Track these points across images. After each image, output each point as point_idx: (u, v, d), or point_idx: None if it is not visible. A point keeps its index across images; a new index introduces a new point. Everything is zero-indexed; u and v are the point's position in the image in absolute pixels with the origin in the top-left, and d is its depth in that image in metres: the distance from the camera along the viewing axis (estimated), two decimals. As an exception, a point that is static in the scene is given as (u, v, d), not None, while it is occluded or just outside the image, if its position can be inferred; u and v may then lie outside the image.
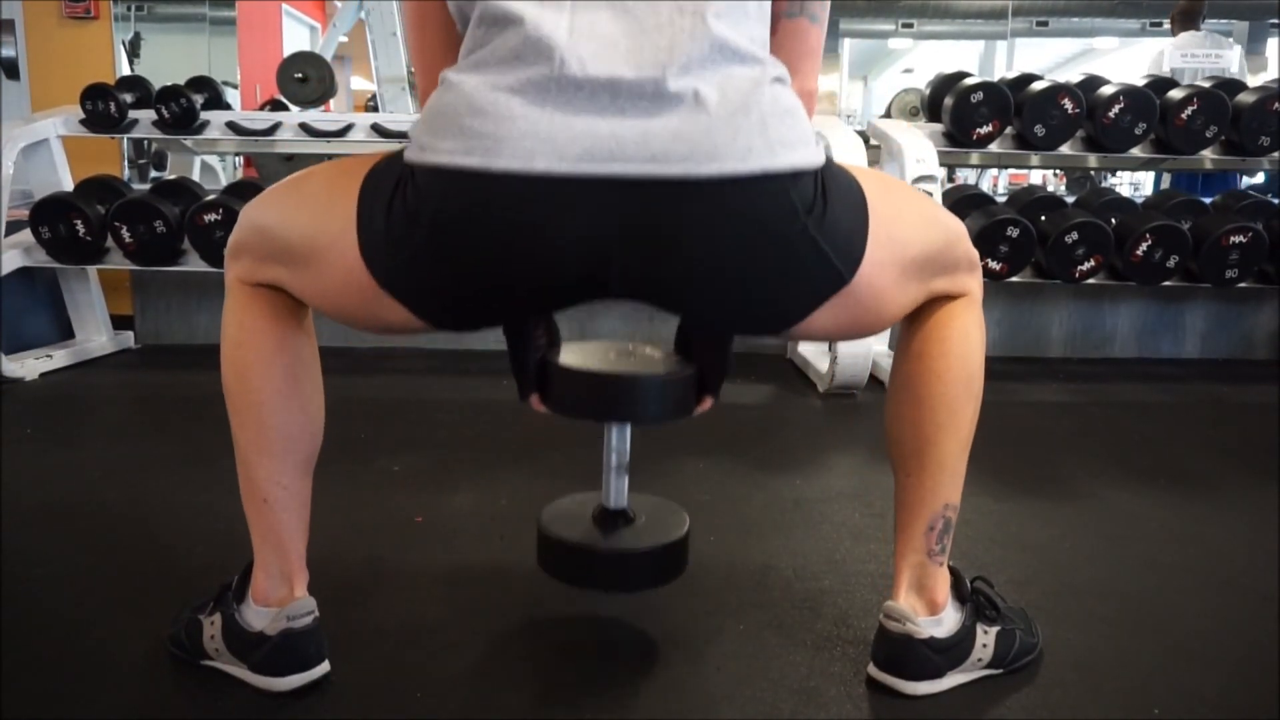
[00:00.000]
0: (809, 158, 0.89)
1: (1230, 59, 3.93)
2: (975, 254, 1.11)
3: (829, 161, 0.92)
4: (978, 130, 2.76)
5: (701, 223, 0.86)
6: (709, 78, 0.85)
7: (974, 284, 1.11)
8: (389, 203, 0.89)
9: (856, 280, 0.94)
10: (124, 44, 3.73)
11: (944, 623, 1.10)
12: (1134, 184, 5.73)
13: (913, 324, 1.11)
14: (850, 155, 2.50)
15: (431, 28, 1.00)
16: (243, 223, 1.05)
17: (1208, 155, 2.91)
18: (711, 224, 0.86)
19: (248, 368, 1.06)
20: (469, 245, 0.87)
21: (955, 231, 1.08)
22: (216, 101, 3.11)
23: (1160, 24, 5.66)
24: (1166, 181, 4.40)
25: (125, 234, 2.68)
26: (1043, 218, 2.82)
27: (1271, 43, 5.74)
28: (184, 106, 2.90)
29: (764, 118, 0.85)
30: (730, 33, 0.86)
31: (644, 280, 0.91)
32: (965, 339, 1.09)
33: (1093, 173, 4.98)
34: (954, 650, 1.10)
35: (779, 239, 0.88)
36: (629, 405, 1.03)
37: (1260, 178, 4.37)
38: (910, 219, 1.03)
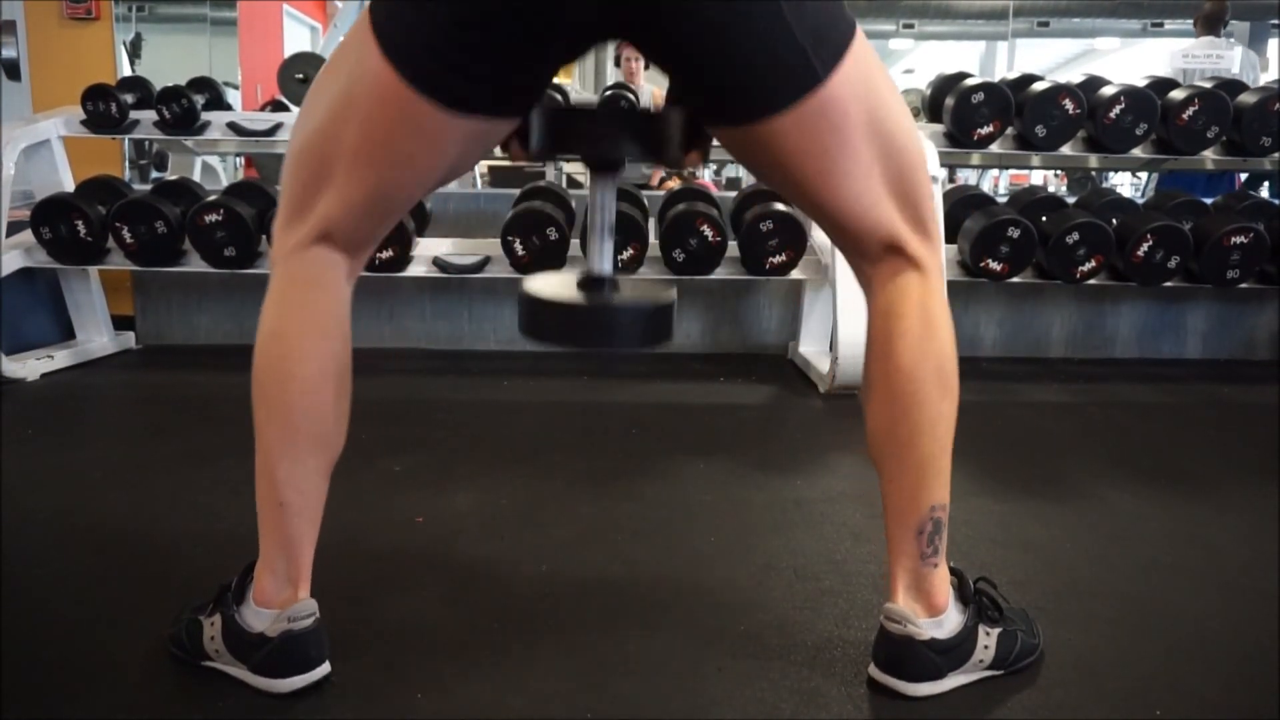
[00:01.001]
0: None
1: (1232, 59, 3.94)
2: (937, 221, 1.09)
3: None
4: (978, 130, 2.76)
5: None
6: None
7: (932, 257, 1.08)
8: None
9: (830, 86, 0.94)
10: (125, 44, 3.74)
11: (946, 624, 1.10)
12: (1135, 184, 5.73)
13: (875, 311, 1.09)
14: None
15: None
16: (282, 178, 1.06)
17: (1209, 155, 2.90)
18: None
19: (282, 364, 1.05)
20: None
21: (926, 167, 1.06)
22: (217, 102, 3.11)
23: (1161, 24, 5.67)
24: (1154, 183, 4.39)
25: (126, 234, 2.68)
26: (1044, 218, 2.82)
27: (1272, 43, 5.74)
28: (185, 107, 2.90)
29: None
30: None
31: (636, 28, 0.93)
32: (932, 327, 1.07)
33: (1094, 173, 4.97)
34: (955, 651, 1.10)
35: (746, 5, 0.89)
36: (614, 143, 0.99)
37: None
38: (895, 99, 1.02)
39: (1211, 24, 4.07)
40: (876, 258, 1.08)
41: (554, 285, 1.07)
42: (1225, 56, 3.97)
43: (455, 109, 0.95)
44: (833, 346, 2.57)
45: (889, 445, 1.09)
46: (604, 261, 1.05)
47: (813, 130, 0.96)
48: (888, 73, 1.05)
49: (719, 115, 1.00)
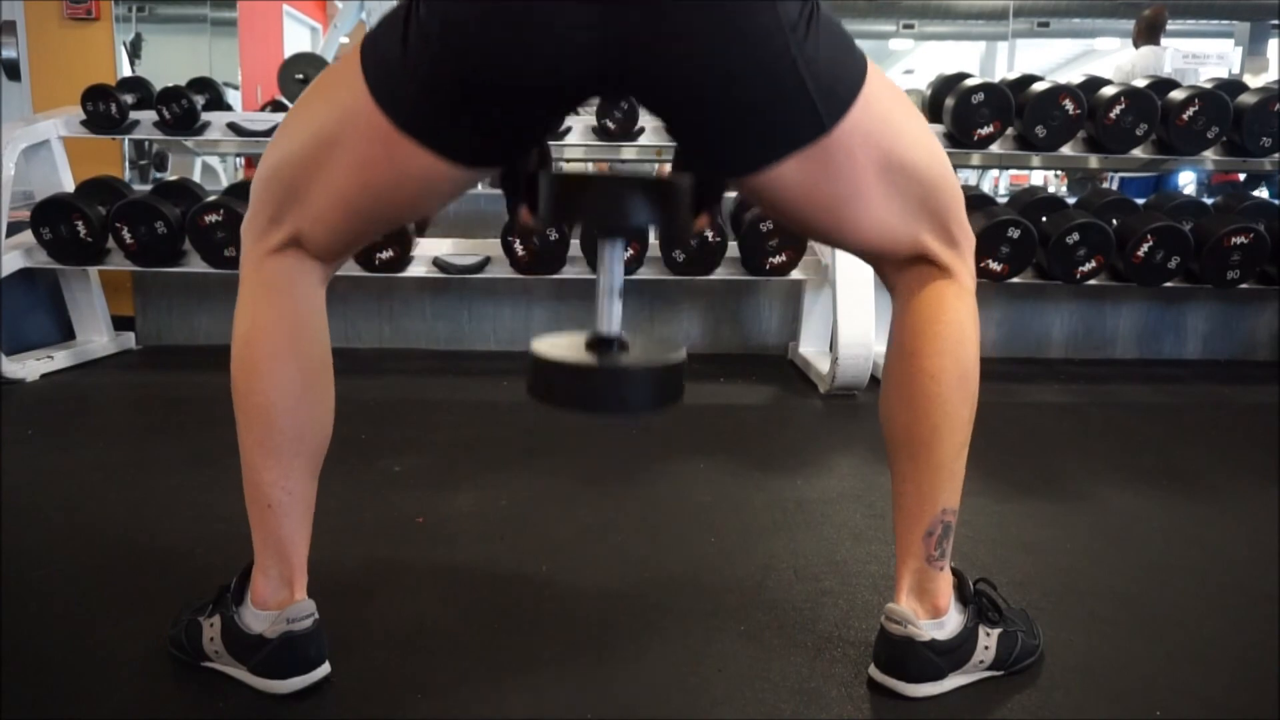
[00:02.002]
0: None
1: (1233, 59, 3.94)
2: (969, 230, 1.09)
3: (829, 12, 0.92)
4: (979, 131, 2.76)
5: (686, 29, 0.87)
6: None
7: (962, 265, 1.09)
8: (403, 35, 0.90)
9: (836, 135, 0.93)
10: (125, 45, 3.73)
11: (946, 625, 1.10)
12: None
13: (902, 314, 1.09)
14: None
15: None
16: (255, 184, 1.05)
17: (1209, 156, 2.91)
18: (696, 31, 0.87)
19: (257, 366, 1.05)
20: (478, 47, 0.88)
21: (953, 180, 1.05)
22: (217, 102, 3.11)
23: (1161, 24, 5.66)
24: (1112, 183, 4.36)
25: (126, 235, 2.68)
26: (1044, 219, 2.82)
27: (1272, 43, 5.73)
28: (185, 107, 2.90)
29: None
30: None
31: (637, 81, 0.92)
32: (959, 333, 1.07)
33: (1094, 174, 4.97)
34: (956, 652, 1.10)
35: (759, 54, 0.88)
36: (622, 211, 0.99)
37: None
38: (912, 127, 1.01)
39: (1153, 32, 4.06)
40: (902, 265, 1.08)
41: (562, 347, 1.09)
42: (1226, 57, 3.98)
43: (450, 158, 0.95)
44: (833, 347, 2.57)
45: (906, 445, 1.09)
46: (613, 322, 1.08)
47: (818, 175, 0.96)
48: (904, 101, 1.04)
49: (717, 166, 0.99)
